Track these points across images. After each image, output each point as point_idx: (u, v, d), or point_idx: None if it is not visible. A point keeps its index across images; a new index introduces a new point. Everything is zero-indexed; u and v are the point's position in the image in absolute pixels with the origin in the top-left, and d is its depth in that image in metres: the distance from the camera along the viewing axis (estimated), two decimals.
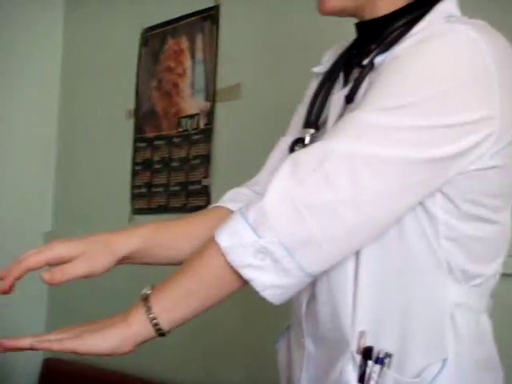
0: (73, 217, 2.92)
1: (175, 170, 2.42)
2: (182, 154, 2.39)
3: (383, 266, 0.96)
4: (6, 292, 0.96)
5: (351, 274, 0.97)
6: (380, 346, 0.96)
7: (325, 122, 1.07)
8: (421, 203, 0.94)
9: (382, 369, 0.95)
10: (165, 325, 0.91)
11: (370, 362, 0.96)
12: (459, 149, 0.90)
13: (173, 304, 0.92)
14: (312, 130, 1.08)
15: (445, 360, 0.95)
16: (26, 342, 0.89)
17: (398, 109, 0.90)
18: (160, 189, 2.47)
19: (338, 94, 1.04)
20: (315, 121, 1.09)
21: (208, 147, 2.30)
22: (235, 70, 2.24)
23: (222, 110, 2.27)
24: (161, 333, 0.91)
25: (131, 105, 2.63)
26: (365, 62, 1.01)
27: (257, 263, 0.88)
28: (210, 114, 2.30)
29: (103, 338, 0.89)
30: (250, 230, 0.88)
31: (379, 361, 0.95)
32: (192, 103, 2.38)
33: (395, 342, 0.96)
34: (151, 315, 0.90)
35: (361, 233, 0.92)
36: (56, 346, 0.88)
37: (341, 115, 1.01)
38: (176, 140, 2.43)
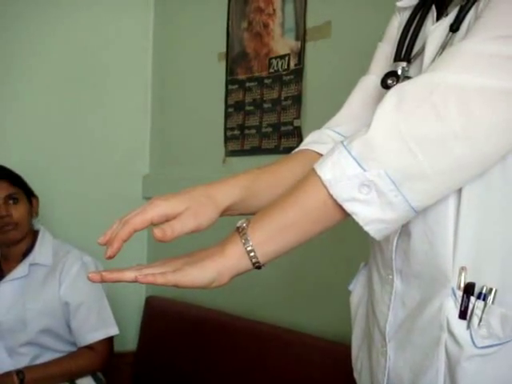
0: (169, 160, 2.98)
1: (267, 111, 2.42)
2: (274, 95, 2.39)
3: (485, 202, 0.95)
4: (113, 256, 0.92)
5: (452, 210, 0.96)
6: (481, 282, 0.95)
7: (417, 55, 1.05)
8: None
9: (486, 304, 0.94)
10: (261, 257, 0.90)
11: (472, 298, 0.95)
12: None
13: (270, 236, 0.90)
14: (404, 64, 1.05)
15: None
16: (130, 275, 0.87)
17: (511, 37, 0.86)
18: (253, 130, 2.48)
19: (437, 25, 1.01)
20: (407, 54, 1.06)
21: (299, 88, 2.28)
22: (325, 8, 2.19)
23: (312, 50, 2.24)
24: (257, 266, 0.90)
25: (223, 47, 2.63)
26: None
27: (362, 197, 0.86)
28: (300, 54, 2.28)
29: (201, 271, 0.88)
30: (355, 162, 0.86)
31: (482, 296, 0.94)
32: (282, 43, 2.36)
33: (497, 278, 0.95)
34: (248, 248, 0.89)
35: (470, 167, 0.89)
36: (160, 280, 0.86)
37: (443, 46, 0.98)
38: (267, 81, 2.42)
